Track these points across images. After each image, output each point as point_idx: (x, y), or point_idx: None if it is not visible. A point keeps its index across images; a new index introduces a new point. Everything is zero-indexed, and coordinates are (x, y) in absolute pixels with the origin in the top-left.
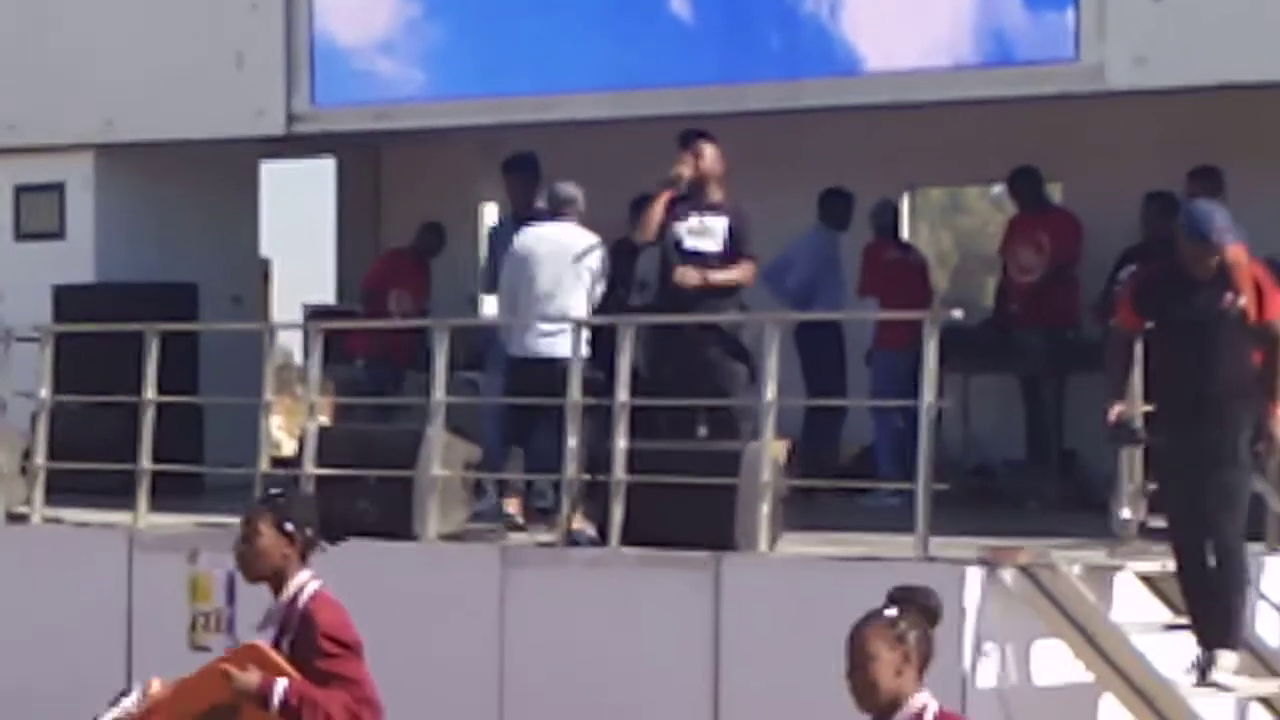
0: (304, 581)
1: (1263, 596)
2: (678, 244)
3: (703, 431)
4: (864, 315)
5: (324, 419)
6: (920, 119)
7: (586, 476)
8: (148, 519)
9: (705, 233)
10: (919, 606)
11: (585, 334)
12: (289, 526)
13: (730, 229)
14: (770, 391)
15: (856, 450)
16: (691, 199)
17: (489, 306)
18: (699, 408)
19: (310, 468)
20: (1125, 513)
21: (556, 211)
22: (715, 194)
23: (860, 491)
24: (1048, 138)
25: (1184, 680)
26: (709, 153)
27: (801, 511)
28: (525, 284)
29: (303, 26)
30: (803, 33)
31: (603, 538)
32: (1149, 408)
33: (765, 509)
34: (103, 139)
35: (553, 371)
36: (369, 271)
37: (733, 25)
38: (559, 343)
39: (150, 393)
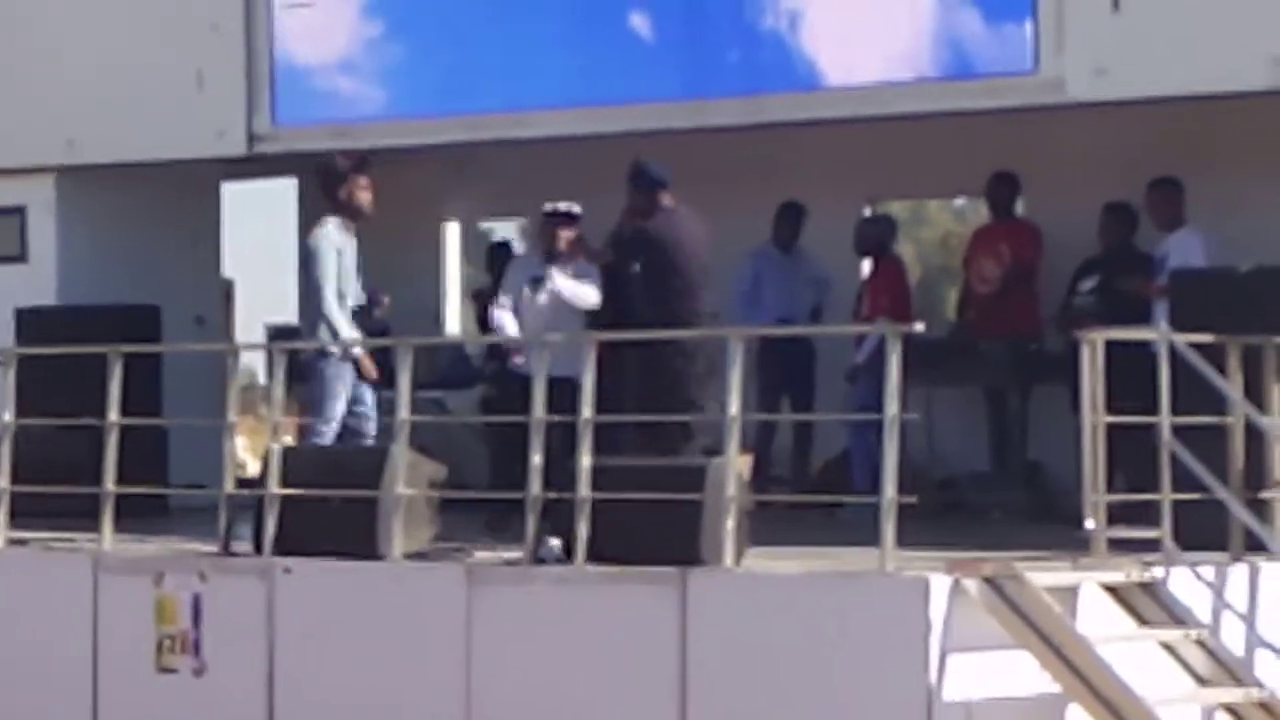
0: None
1: (1226, 605)
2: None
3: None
4: (811, 331)
5: (288, 439)
6: (881, 132)
7: (551, 494)
8: (112, 542)
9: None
10: None
11: None
12: None
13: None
14: (734, 406)
15: (821, 463)
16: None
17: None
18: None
19: (274, 488)
20: (1090, 523)
21: None
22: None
23: (833, 504)
24: (1008, 149)
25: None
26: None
27: (778, 524)
28: None
29: (263, 47)
30: (763, 48)
31: (568, 555)
32: None
33: (730, 524)
34: (64, 161)
35: None
36: None
37: (694, 41)
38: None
39: (114, 415)
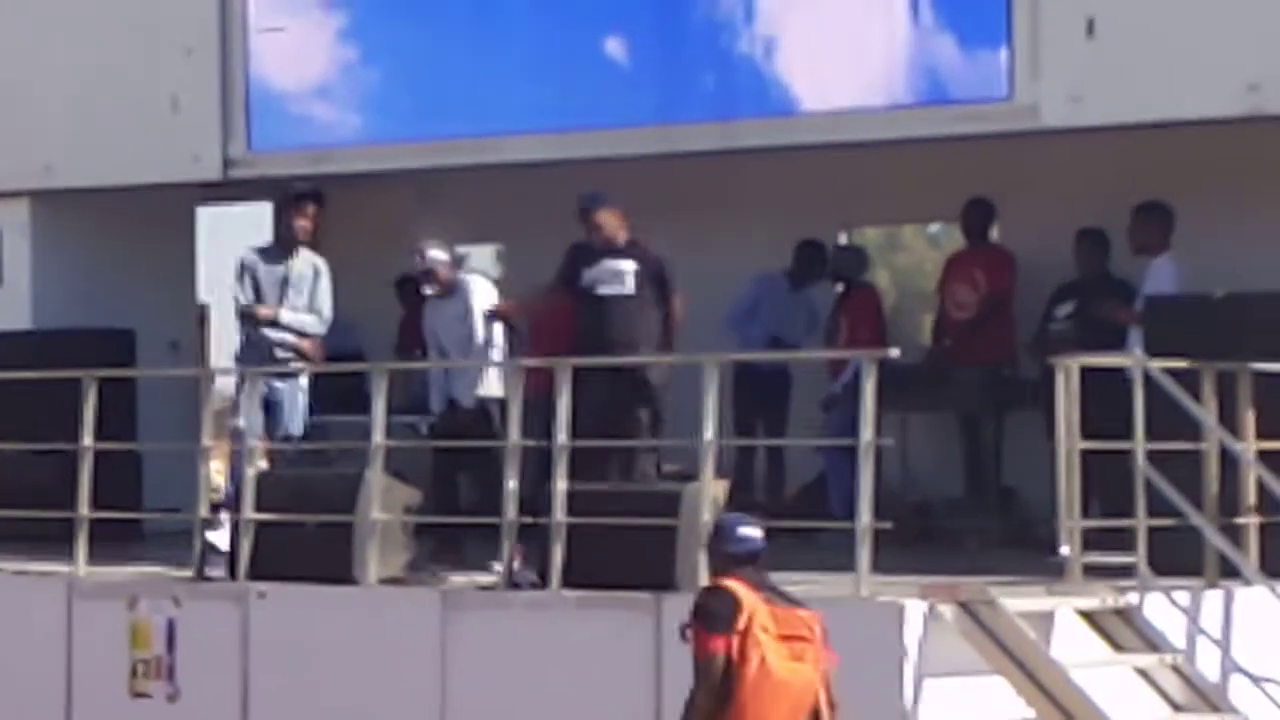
0: None
1: (1201, 631)
2: (590, 291)
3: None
4: (786, 356)
5: (262, 463)
6: (856, 159)
7: (527, 519)
8: (87, 567)
9: (616, 277)
10: None
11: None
12: None
13: (645, 271)
14: (709, 431)
15: (795, 489)
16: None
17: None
18: (611, 451)
19: (249, 512)
20: (1065, 549)
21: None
22: (620, 240)
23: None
24: (983, 176)
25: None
26: (608, 221)
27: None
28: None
29: (238, 71)
30: (737, 74)
31: (543, 580)
32: None
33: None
34: (39, 185)
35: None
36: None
37: (667, 67)
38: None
39: (88, 439)
